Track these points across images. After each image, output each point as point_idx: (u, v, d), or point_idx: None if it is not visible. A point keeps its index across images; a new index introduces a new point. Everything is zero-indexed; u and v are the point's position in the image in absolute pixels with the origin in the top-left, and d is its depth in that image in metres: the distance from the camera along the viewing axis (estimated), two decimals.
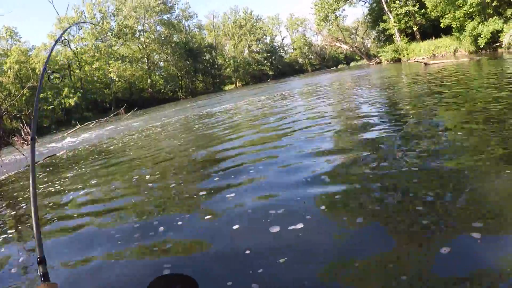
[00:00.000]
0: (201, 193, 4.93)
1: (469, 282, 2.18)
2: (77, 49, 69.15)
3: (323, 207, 3.62)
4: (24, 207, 6.89)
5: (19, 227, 5.63)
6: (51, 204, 6.65)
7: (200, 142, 9.90)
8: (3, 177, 11.96)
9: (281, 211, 3.70)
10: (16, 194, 8.59)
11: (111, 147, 13.80)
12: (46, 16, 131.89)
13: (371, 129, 6.80)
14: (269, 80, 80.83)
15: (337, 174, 4.53)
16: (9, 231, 5.45)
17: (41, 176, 10.48)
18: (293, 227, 3.29)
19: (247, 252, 3.06)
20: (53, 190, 7.89)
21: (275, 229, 3.34)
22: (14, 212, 6.79)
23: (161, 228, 4.00)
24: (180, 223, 4.05)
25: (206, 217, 4.03)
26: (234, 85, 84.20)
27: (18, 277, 3.63)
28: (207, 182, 5.49)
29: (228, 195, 4.55)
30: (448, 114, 7.23)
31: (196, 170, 6.61)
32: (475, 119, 6.19)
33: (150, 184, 6.18)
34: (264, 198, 4.25)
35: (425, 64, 25.27)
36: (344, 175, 4.47)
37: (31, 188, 2.43)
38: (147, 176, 6.90)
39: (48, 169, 11.63)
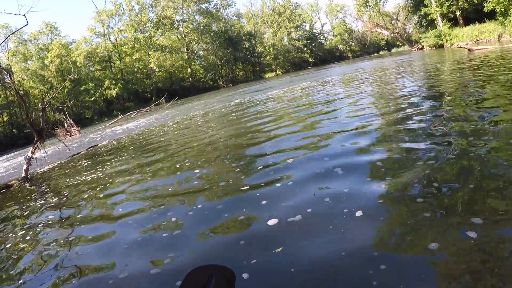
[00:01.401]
0: (220, 184, 5.14)
1: (443, 281, 2.25)
2: (116, 41, 70.60)
3: (327, 199, 3.72)
4: (66, 195, 7.36)
5: (61, 214, 6.00)
6: (89, 190, 7.14)
7: (236, 133, 9.89)
8: (47, 167, 12.48)
9: (291, 203, 3.84)
10: (59, 183, 9.10)
11: (152, 137, 14.12)
12: (85, 10, 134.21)
13: (407, 121, 6.43)
14: (309, 67, 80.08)
15: (354, 166, 4.59)
16: (51, 217, 5.92)
17: (85, 164, 11.01)
18: (291, 219, 3.44)
19: (242, 242, 3.25)
20: (95, 177, 8.37)
21: (274, 221, 3.50)
22: (57, 199, 7.23)
23: (174, 218, 4.29)
24: (191, 213, 4.32)
25: (218, 206, 4.26)
26: (274, 73, 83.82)
27: (54, 258, 4.04)
28: (232, 174, 5.62)
29: (242, 188, 4.72)
30: (493, 103, 6.80)
31: (226, 161, 6.72)
32: None
33: (178, 173, 6.49)
34: (278, 188, 4.41)
35: (469, 50, 24.33)
36: (361, 166, 4.53)
37: None
38: (177, 165, 7.22)
39: (92, 158, 12.14)
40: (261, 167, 5.42)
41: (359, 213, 3.25)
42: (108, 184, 7.25)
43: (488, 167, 3.65)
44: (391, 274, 2.36)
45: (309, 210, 3.53)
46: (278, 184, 4.52)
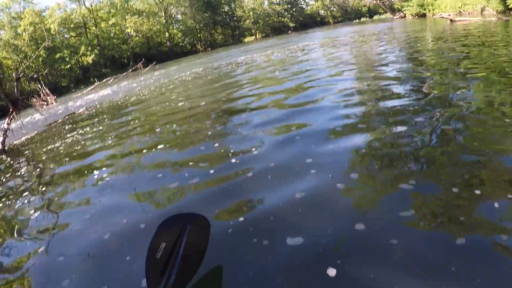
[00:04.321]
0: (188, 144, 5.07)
1: None
2: (92, 6, 68.73)
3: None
4: (44, 164, 7.48)
5: (40, 185, 5.97)
6: (67, 158, 7.25)
7: (214, 95, 10.07)
8: (23, 138, 12.26)
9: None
10: (36, 153, 9.04)
11: (130, 102, 14.21)
12: None
13: (388, 89, 6.54)
14: (289, 32, 79.49)
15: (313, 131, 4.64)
16: (28, 186, 6.01)
17: (62, 133, 11.02)
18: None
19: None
20: (72, 145, 8.48)
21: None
22: (35, 169, 7.31)
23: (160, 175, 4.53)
24: (168, 172, 4.27)
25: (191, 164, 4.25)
26: (254, 37, 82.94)
27: (35, 229, 4.14)
28: (208, 134, 5.64)
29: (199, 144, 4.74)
30: (472, 74, 6.96)
31: (202, 121, 7.02)
32: (498, 81, 5.96)
33: (153, 135, 6.32)
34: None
35: (451, 20, 24.37)
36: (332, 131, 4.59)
37: None
38: (153, 128, 7.54)
39: (69, 126, 12.04)
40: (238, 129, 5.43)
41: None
42: (85, 151, 7.38)
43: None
44: None
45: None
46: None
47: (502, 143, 3.53)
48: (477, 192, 2.80)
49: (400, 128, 4.30)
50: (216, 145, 5.17)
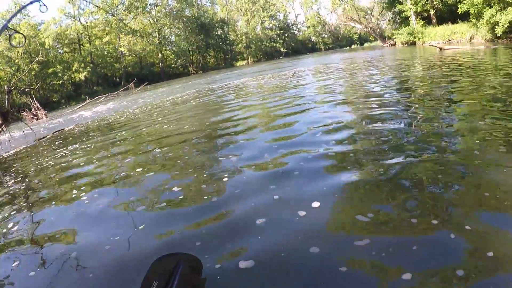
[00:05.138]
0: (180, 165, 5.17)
1: None
2: (87, 23, 69.12)
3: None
4: (32, 178, 7.41)
5: (27, 200, 5.99)
6: (55, 174, 7.23)
7: (203, 120, 10.16)
8: (12, 152, 12.30)
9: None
10: (24, 168, 9.00)
11: (120, 121, 14.25)
12: None
13: (375, 125, 6.44)
14: (281, 57, 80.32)
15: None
16: (16, 204, 5.87)
17: (51, 148, 11.04)
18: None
19: None
20: (60, 161, 8.47)
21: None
22: (22, 183, 7.27)
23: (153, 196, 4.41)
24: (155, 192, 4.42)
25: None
26: (245, 61, 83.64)
27: (19, 245, 4.10)
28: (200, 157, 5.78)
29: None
30: (459, 100, 7.35)
31: (184, 148, 6.94)
32: (484, 107, 6.31)
33: (142, 156, 6.49)
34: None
35: (440, 49, 24.86)
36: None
37: None
38: (149, 147, 7.62)
39: (57, 143, 12.05)
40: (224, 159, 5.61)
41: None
42: (73, 167, 7.41)
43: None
44: None
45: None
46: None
47: (470, 177, 3.69)
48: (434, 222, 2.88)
49: (378, 167, 4.29)
50: (194, 175, 5.18)
